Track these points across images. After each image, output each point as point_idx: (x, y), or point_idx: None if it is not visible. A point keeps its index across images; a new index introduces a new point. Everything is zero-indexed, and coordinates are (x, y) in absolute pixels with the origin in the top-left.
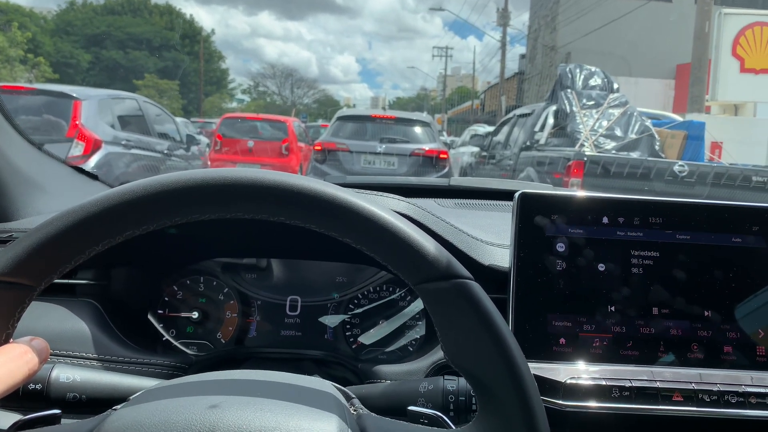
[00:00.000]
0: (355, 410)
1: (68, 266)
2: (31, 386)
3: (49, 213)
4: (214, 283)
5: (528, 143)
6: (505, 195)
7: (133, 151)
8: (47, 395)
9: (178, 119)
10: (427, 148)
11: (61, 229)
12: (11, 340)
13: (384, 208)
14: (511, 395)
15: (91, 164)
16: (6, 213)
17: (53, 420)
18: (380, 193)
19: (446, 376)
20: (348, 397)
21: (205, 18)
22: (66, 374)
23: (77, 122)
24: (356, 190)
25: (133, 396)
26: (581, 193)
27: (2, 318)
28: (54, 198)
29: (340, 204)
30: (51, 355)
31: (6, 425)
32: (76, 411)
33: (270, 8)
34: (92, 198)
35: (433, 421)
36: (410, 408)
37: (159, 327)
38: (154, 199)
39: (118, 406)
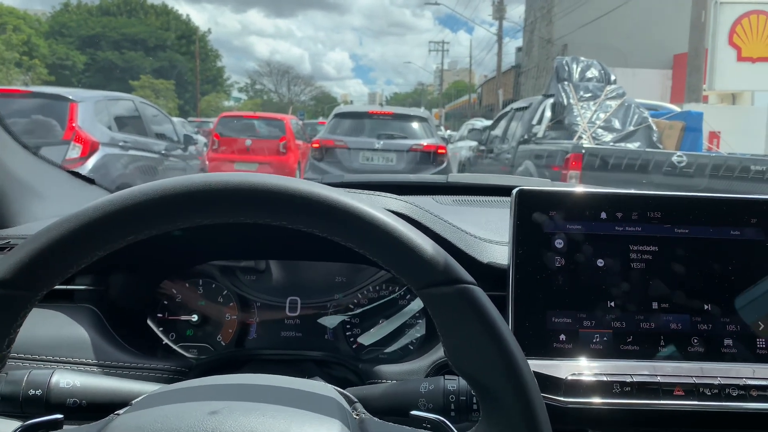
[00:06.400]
0: (357, 414)
1: (69, 272)
2: (31, 392)
3: (47, 218)
4: (213, 285)
5: (526, 137)
6: (504, 191)
7: (131, 152)
8: (47, 401)
9: (175, 119)
10: (425, 144)
11: (62, 236)
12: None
13: (386, 212)
14: (514, 401)
15: (88, 166)
16: (3, 219)
17: (55, 425)
18: (377, 192)
19: (446, 376)
20: (350, 401)
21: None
22: (66, 379)
23: (74, 124)
24: (354, 189)
25: (135, 401)
26: (579, 189)
27: (3, 325)
28: (51, 203)
29: (342, 209)
30: (51, 361)
31: (8, 431)
32: (77, 416)
33: (258, 6)
34: (93, 204)
35: (436, 426)
36: (413, 413)
37: (158, 331)
38: (154, 204)
39: (121, 411)
